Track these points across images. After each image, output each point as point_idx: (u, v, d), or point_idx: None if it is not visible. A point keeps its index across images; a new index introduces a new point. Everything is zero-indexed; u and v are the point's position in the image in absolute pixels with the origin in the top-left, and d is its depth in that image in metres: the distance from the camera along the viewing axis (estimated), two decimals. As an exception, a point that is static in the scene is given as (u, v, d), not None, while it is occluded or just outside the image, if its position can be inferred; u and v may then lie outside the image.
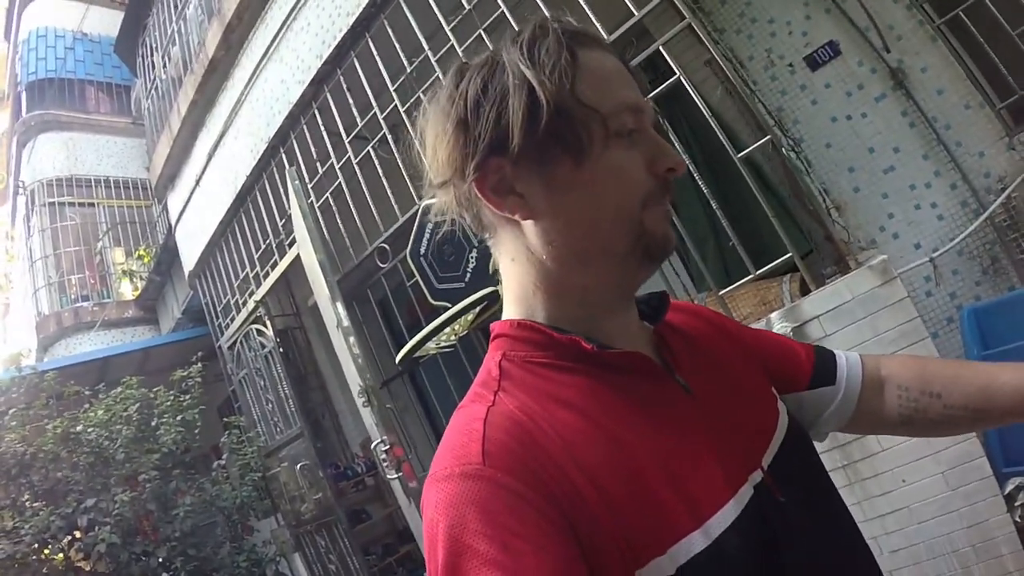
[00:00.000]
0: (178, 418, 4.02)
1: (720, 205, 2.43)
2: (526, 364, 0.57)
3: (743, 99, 2.65)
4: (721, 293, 2.50)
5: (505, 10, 2.78)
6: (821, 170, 3.03)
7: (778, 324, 2.25)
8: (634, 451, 0.51)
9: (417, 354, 3.07)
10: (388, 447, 3.03)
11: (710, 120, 2.41)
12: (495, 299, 2.71)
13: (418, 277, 3.04)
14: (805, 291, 2.45)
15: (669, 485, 0.51)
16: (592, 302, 0.58)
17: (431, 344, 2.95)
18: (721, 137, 2.41)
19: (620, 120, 0.56)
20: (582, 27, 0.59)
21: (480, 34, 2.85)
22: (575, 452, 0.49)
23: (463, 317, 2.82)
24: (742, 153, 2.41)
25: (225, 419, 4.47)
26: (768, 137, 2.38)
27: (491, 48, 0.59)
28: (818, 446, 0.71)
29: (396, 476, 3.04)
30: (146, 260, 6.90)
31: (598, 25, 2.56)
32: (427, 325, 3.15)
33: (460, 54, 2.91)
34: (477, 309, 2.77)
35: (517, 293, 0.60)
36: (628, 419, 0.54)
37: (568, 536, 0.46)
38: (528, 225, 0.57)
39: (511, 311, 0.61)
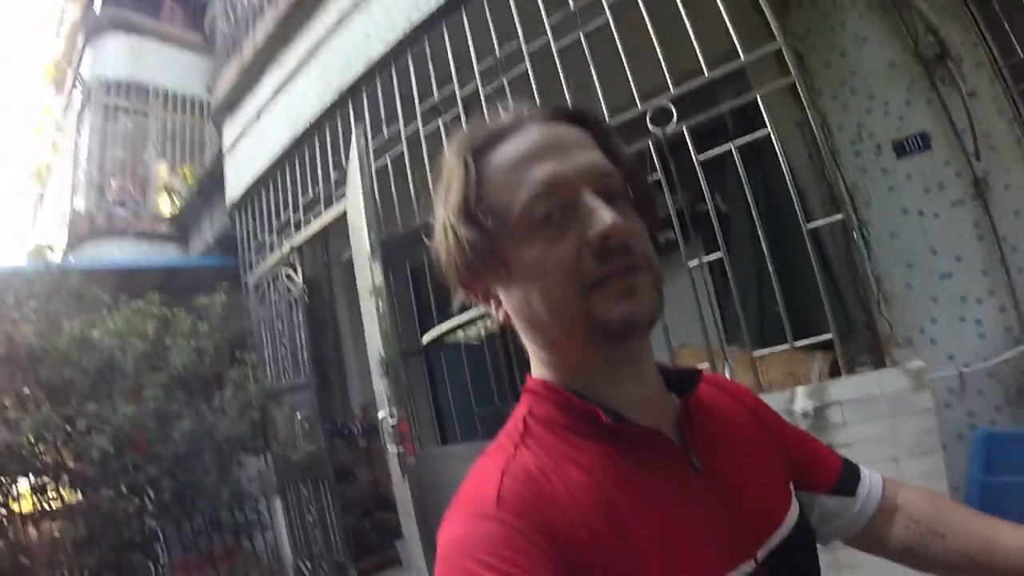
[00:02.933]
0: (192, 343, 4.03)
1: (775, 267, 2.42)
2: (547, 423, 0.59)
3: (824, 169, 2.63)
4: (755, 354, 2.50)
5: (610, 18, 2.74)
6: (879, 258, 2.99)
7: (801, 399, 2.26)
8: (634, 521, 0.53)
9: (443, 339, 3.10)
10: (396, 421, 3.07)
11: (788, 182, 2.39)
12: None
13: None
14: (835, 372, 2.45)
15: (659, 557, 0.52)
16: (592, 375, 0.60)
17: (460, 334, 2.97)
18: (795, 203, 2.39)
19: (529, 212, 0.56)
20: (498, 121, 0.62)
21: (579, 36, 2.82)
22: (583, 511, 0.52)
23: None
24: (812, 225, 2.39)
25: (236, 352, 4.51)
26: (841, 216, 2.36)
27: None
28: None
29: (397, 451, 3.07)
30: (189, 180, 6.89)
31: (700, 54, 2.52)
32: (455, 308, 3.17)
33: (554, 52, 2.88)
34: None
35: (535, 356, 0.64)
36: (636, 490, 0.55)
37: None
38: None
39: (537, 369, 0.64)
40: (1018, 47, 2.87)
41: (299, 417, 4.02)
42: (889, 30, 3.04)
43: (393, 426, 3.09)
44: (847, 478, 0.76)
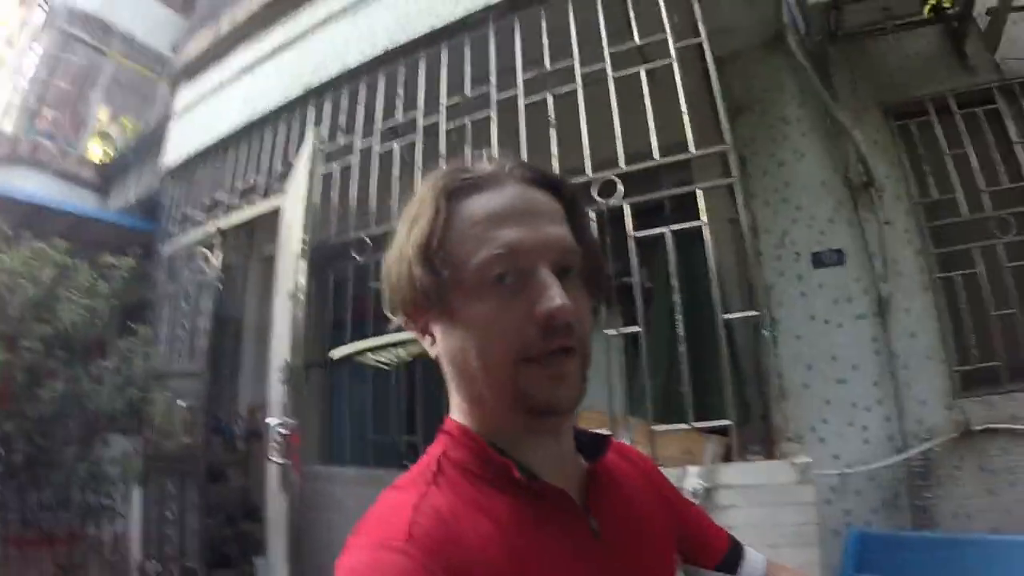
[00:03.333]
0: (87, 302, 3.71)
1: (687, 349, 2.51)
2: (461, 468, 0.60)
3: (746, 266, 2.78)
4: (653, 428, 2.56)
5: (579, 87, 2.84)
6: (783, 356, 3.17)
7: (693, 478, 2.32)
8: (532, 574, 0.54)
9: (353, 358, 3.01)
10: (288, 432, 2.93)
11: (712, 273, 2.51)
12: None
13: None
14: (728, 457, 2.54)
15: None
16: (510, 434, 0.61)
17: (370, 356, 2.90)
18: (715, 293, 2.50)
19: (486, 270, 0.57)
20: (480, 168, 0.63)
21: (547, 96, 2.90)
22: (488, 560, 0.52)
23: (413, 346, 2.78)
24: (728, 316, 2.50)
25: (130, 323, 4.22)
26: (758, 315, 2.49)
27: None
28: None
29: (283, 462, 2.93)
30: (128, 132, 6.54)
31: (654, 139, 2.63)
32: (372, 328, 3.10)
33: (521, 105, 2.95)
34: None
35: (455, 402, 0.65)
36: (538, 547, 0.56)
37: None
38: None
39: (456, 413, 0.65)
40: (934, 189, 3.19)
41: (182, 406, 3.77)
42: (825, 152, 3.31)
43: (283, 436, 2.95)
44: (732, 556, 0.79)
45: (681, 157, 2.64)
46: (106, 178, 6.52)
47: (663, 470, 2.29)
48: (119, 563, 4.16)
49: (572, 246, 0.60)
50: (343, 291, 3.35)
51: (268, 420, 3.11)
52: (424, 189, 0.62)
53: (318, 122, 3.60)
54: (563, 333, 0.56)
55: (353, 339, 3.11)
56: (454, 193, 0.60)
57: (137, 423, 4.05)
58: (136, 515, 4.14)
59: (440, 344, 0.62)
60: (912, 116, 3.28)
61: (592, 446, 0.68)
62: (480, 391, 0.59)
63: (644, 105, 2.71)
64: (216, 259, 3.92)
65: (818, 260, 3.20)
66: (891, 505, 2.99)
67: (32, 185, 6.01)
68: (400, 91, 3.38)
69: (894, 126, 3.31)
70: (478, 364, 0.58)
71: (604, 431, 0.72)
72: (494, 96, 3.06)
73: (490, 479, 0.59)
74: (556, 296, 0.55)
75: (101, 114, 6.98)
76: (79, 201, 6.27)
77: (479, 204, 0.59)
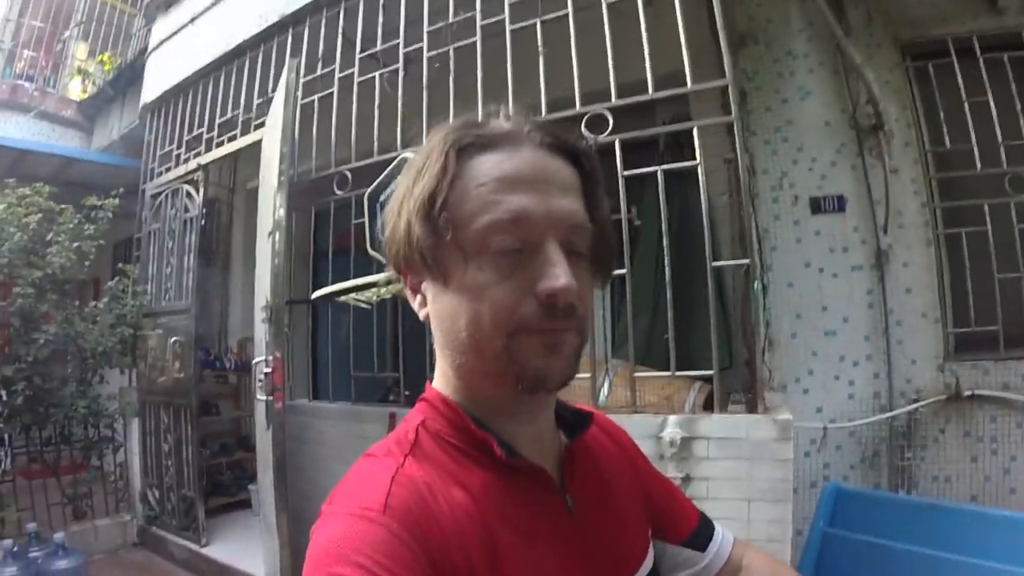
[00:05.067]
0: (75, 245, 3.75)
1: (673, 294, 2.43)
2: (439, 439, 0.59)
3: (740, 209, 2.66)
4: (636, 374, 2.52)
5: (570, 11, 2.66)
6: (773, 303, 3.09)
7: (672, 427, 2.30)
8: (506, 552, 0.53)
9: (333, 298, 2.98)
10: (270, 369, 2.94)
11: (704, 217, 2.40)
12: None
13: (367, 220, 2.92)
14: (708, 405, 2.51)
15: None
16: (492, 406, 0.59)
17: (351, 296, 2.85)
18: (706, 237, 2.39)
19: (488, 237, 0.53)
20: (495, 124, 0.58)
21: (537, 21, 2.73)
22: (461, 534, 0.52)
23: (391, 284, 2.73)
24: (716, 264, 2.41)
25: (119, 264, 4.22)
26: (747, 262, 2.40)
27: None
28: None
29: (266, 399, 2.95)
30: (107, 68, 6.27)
31: (649, 71, 2.48)
32: (353, 262, 3.06)
33: (507, 30, 2.78)
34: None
35: (441, 369, 0.62)
36: (513, 522, 0.56)
37: None
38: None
39: (439, 381, 0.63)
40: (947, 136, 2.99)
41: (173, 341, 3.80)
42: (833, 91, 3.10)
43: (266, 374, 2.96)
44: (701, 532, 0.79)
45: (677, 91, 2.47)
46: (88, 116, 6.39)
47: (643, 416, 2.28)
48: (123, 491, 4.32)
49: (584, 223, 0.57)
50: (325, 225, 3.28)
51: (254, 358, 3.11)
52: (433, 141, 0.58)
53: (296, 52, 3.43)
54: (563, 314, 0.53)
55: (335, 274, 3.08)
56: (465, 149, 0.56)
57: (131, 359, 4.15)
58: (135, 447, 4.28)
59: (431, 306, 0.59)
60: (931, 57, 3.05)
61: (573, 422, 0.67)
62: (468, 360, 0.56)
63: (640, 33, 2.52)
64: (199, 195, 3.84)
65: (817, 206, 3.05)
66: (871, 463, 2.98)
67: (13, 128, 5.93)
68: (380, 17, 3.18)
69: (910, 66, 3.09)
70: (469, 332, 0.54)
71: (587, 407, 0.70)
72: (479, 21, 2.87)
73: (468, 452, 0.58)
74: (561, 275, 0.52)
75: (79, 51, 6.72)
76: (63, 141, 6.19)
77: (489, 164, 0.55)
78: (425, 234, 0.54)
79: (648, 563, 0.68)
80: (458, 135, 0.56)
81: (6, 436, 3.81)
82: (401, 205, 0.57)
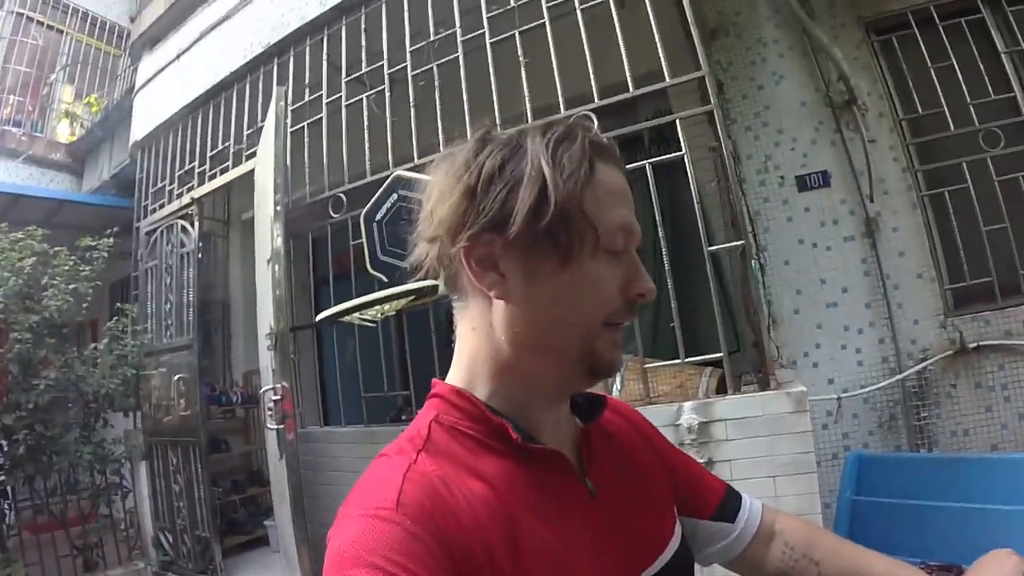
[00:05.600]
0: (70, 287, 3.71)
1: (674, 284, 2.48)
2: (454, 431, 0.59)
3: (730, 196, 2.72)
4: (647, 366, 2.55)
5: (547, 21, 2.74)
6: (772, 282, 3.15)
7: (688, 413, 2.32)
8: (527, 535, 0.54)
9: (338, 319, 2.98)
10: (279, 397, 2.93)
11: (695, 205, 2.45)
12: (431, 293, 2.67)
13: (364, 240, 2.96)
14: (721, 389, 2.54)
15: (548, 574, 0.53)
16: (532, 392, 0.61)
17: (355, 315, 2.87)
18: (699, 224, 2.45)
19: (612, 238, 0.58)
20: (609, 142, 0.62)
21: (515, 33, 2.80)
22: (479, 524, 0.52)
23: (395, 301, 2.75)
24: (712, 248, 2.46)
25: (117, 304, 4.20)
26: (742, 243, 2.45)
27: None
28: None
29: (277, 428, 2.94)
30: (94, 109, 6.33)
31: (627, 70, 2.55)
32: (354, 284, 3.08)
33: (488, 44, 2.85)
34: (411, 297, 2.71)
35: (467, 361, 0.63)
36: (532, 506, 0.56)
37: None
38: (499, 304, 0.59)
39: (456, 376, 0.63)
40: (918, 103, 3.10)
41: (176, 379, 3.77)
42: (805, 72, 3.21)
43: (275, 402, 2.95)
44: (728, 504, 0.79)
45: (656, 87, 2.56)
46: (78, 158, 6.40)
47: (658, 406, 2.30)
48: (135, 539, 4.24)
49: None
50: (323, 250, 3.30)
51: (261, 387, 3.10)
52: (579, 138, 0.59)
53: (282, 80, 3.48)
54: (637, 311, 0.61)
55: (337, 298, 3.09)
56: (597, 153, 0.60)
57: (135, 401, 4.10)
58: (144, 490, 4.19)
59: (525, 286, 0.58)
60: (893, 30, 3.17)
61: (587, 406, 0.69)
62: (561, 343, 0.58)
63: (615, 35, 2.61)
64: (194, 229, 3.85)
65: (803, 183, 3.14)
66: (888, 427, 3.02)
67: (2, 174, 5.91)
68: (363, 40, 3.26)
69: (875, 41, 3.21)
70: (578, 319, 0.58)
71: (599, 391, 0.71)
72: (460, 37, 2.94)
73: (484, 440, 0.59)
74: (649, 280, 0.60)
75: (65, 94, 6.76)
76: (53, 185, 6.18)
77: (609, 176, 0.60)
78: (569, 211, 0.56)
79: (675, 541, 0.69)
80: (593, 137, 0.60)
81: (9, 488, 3.72)
82: (535, 172, 0.56)
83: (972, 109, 2.98)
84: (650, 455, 0.75)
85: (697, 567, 0.74)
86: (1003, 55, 2.99)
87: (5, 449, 3.59)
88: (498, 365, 0.61)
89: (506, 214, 0.56)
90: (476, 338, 0.62)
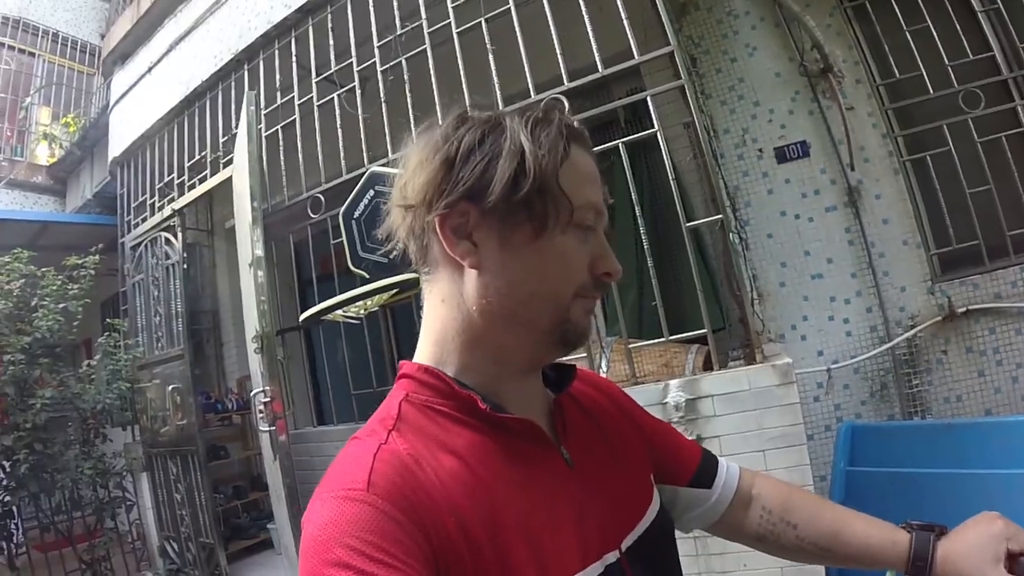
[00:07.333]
0: (60, 306, 3.74)
1: (654, 263, 2.46)
2: (425, 408, 0.60)
3: (708, 171, 2.70)
4: (631, 345, 2.54)
5: (512, 6, 2.71)
6: (755, 256, 3.13)
7: (675, 391, 2.31)
8: (503, 506, 0.54)
9: (321, 317, 2.98)
10: (269, 399, 2.94)
11: (671, 182, 2.43)
12: (413, 286, 2.66)
13: (344, 238, 2.95)
14: (708, 365, 2.53)
15: (526, 544, 0.54)
16: (502, 363, 0.62)
17: (338, 312, 2.87)
18: (676, 201, 2.43)
19: (583, 215, 0.60)
20: (580, 127, 0.65)
21: (481, 21, 2.78)
22: (453, 499, 0.52)
23: (377, 296, 2.75)
24: (691, 224, 2.44)
25: (108, 320, 4.21)
26: (720, 217, 2.43)
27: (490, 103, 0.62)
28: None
29: (268, 429, 2.95)
30: (72, 129, 6.35)
31: (596, 51, 2.53)
32: (338, 283, 3.08)
33: (455, 34, 2.83)
34: (393, 292, 2.71)
35: (436, 335, 0.63)
36: (506, 477, 0.57)
37: (432, 566, 0.49)
38: (471, 274, 0.60)
39: (424, 353, 0.64)
40: (895, 68, 3.05)
41: (171, 390, 3.79)
42: (778, 43, 3.17)
43: (265, 404, 2.96)
44: (705, 469, 0.81)
45: (625, 65, 2.52)
46: (59, 179, 6.42)
47: (644, 385, 2.28)
48: (142, 549, 4.27)
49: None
50: (305, 251, 3.29)
51: (251, 391, 3.10)
52: (556, 121, 0.61)
53: (253, 85, 3.47)
54: (604, 289, 0.63)
55: (321, 298, 3.10)
56: (571, 136, 0.62)
57: (131, 414, 4.13)
58: (147, 501, 4.23)
59: (498, 256, 0.59)
60: (866, -7, 3.12)
61: (557, 377, 0.70)
62: (529, 311, 0.59)
63: (582, 16, 2.58)
64: (178, 240, 3.85)
65: (782, 155, 3.11)
66: (880, 396, 3.00)
67: None
68: (331, 40, 3.24)
69: (847, 7, 3.15)
70: (550, 289, 0.59)
71: (569, 361, 0.72)
72: (426, 28, 2.92)
73: (454, 415, 0.59)
74: (615, 261, 0.62)
75: (42, 116, 6.78)
76: (36, 207, 6.21)
77: (582, 158, 0.62)
78: (546, 184, 0.58)
79: (654, 508, 0.69)
80: (568, 121, 0.62)
81: (15, 508, 3.75)
82: (513, 146, 0.58)
83: (951, 71, 2.92)
84: (626, 425, 0.76)
85: (679, 532, 0.77)
86: (979, 14, 2.92)
87: (7, 469, 3.61)
88: (469, 338, 0.61)
89: (484, 184, 0.57)
90: (446, 310, 0.62)
